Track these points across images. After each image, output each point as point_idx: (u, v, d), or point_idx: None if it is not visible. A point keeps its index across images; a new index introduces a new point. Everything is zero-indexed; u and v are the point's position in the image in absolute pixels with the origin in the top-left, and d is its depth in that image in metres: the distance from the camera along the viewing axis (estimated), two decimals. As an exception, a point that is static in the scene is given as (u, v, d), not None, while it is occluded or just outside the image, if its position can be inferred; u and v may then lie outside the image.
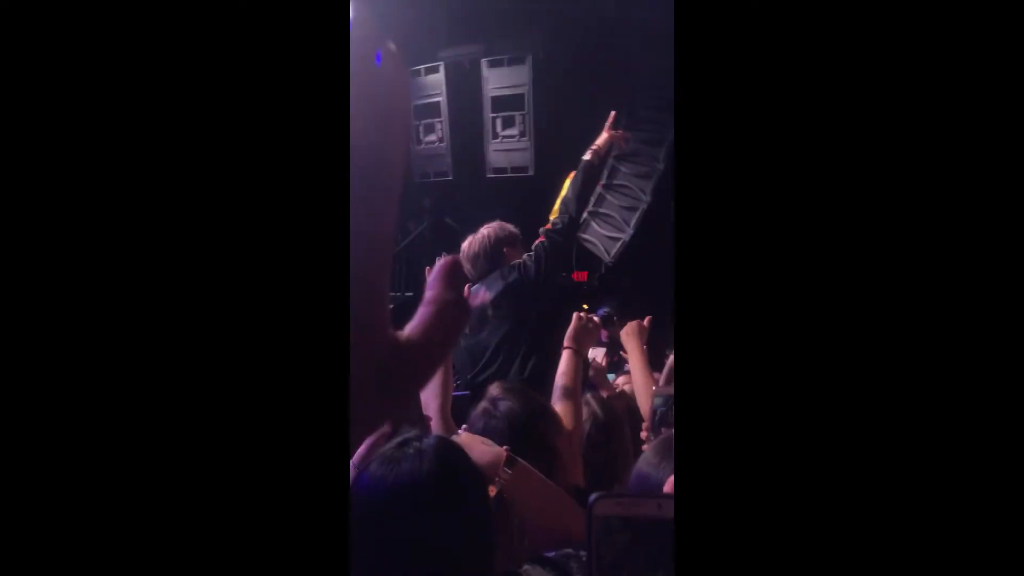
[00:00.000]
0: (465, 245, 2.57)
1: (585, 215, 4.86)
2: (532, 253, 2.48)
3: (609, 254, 4.92)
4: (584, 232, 4.86)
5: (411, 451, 0.89)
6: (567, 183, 2.71)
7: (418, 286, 5.37)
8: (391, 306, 0.46)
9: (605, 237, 4.93)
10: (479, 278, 2.52)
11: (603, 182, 4.52)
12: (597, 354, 1.87)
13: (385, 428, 1.27)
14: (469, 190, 5.29)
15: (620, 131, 2.89)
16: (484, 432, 1.29)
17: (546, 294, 2.46)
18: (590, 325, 1.75)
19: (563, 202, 2.62)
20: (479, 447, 1.14)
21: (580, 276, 4.93)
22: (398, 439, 0.93)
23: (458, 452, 0.96)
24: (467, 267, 2.50)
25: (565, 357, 1.68)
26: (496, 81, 4.94)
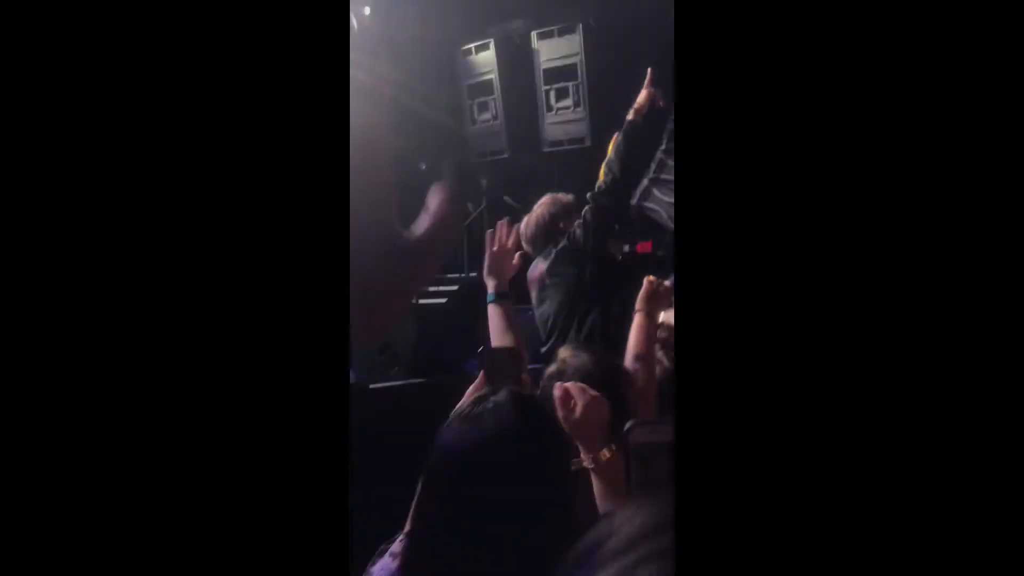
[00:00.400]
0: (522, 228, 2.57)
1: (645, 182, 4.74)
2: (581, 220, 2.47)
3: (673, 221, 4.79)
4: (646, 200, 4.74)
5: (490, 406, 0.89)
6: (611, 146, 2.66)
7: (480, 267, 5.40)
8: (395, 206, 0.49)
9: (668, 204, 4.79)
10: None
11: (663, 146, 4.38)
12: (670, 317, 1.82)
13: (479, 382, 1.31)
14: (526, 166, 5.25)
15: (658, 89, 2.80)
16: None
17: (598, 257, 2.45)
18: (660, 289, 1.71)
19: (607, 164, 2.57)
20: (587, 398, 1.12)
21: (644, 247, 4.83)
22: (474, 397, 0.94)
23: (535, 406, 0.96)
24: (528, 249, 2.51)
25: (636, 321, 1.67)
26: (547, 53, 4.86)
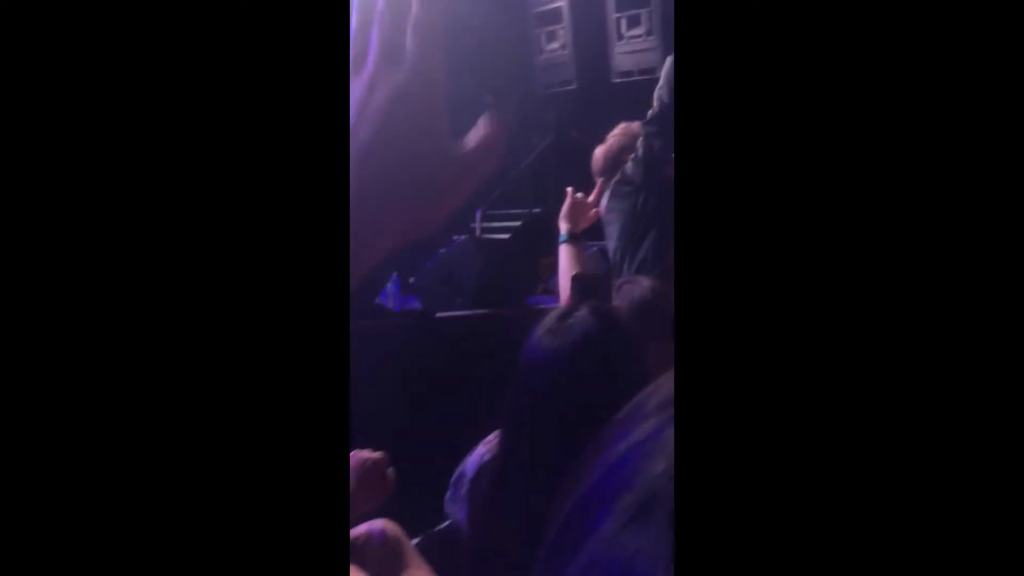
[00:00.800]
0: (593, 159, 2.53)
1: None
2: (634, 153, 2.42)
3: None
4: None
5: (574, 321, 0.93)
6: (662, 70, 2.58)
7: (546, 202, 5.35)
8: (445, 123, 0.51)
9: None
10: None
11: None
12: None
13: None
14: (595, 98, 5.11)
15: None
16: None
17: (648, 188, 2.41)
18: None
19: (658, 91, 2.49)
20: None
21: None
22: (556, 312, 0.98)
23: (615, 318, 1.00)
24: (600, 180, 2.48)
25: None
26: (620, -22, 4.65)
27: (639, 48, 4.73)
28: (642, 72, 4.73)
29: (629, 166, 2.42)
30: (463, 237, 3.80)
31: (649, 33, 4.64)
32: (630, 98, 4.86)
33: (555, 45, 5.11)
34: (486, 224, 5.25)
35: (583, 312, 0.98)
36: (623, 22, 4.74)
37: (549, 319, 0.99)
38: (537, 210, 5.54)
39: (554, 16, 5.02)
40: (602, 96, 5.05)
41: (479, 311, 2.94)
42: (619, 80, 4.93)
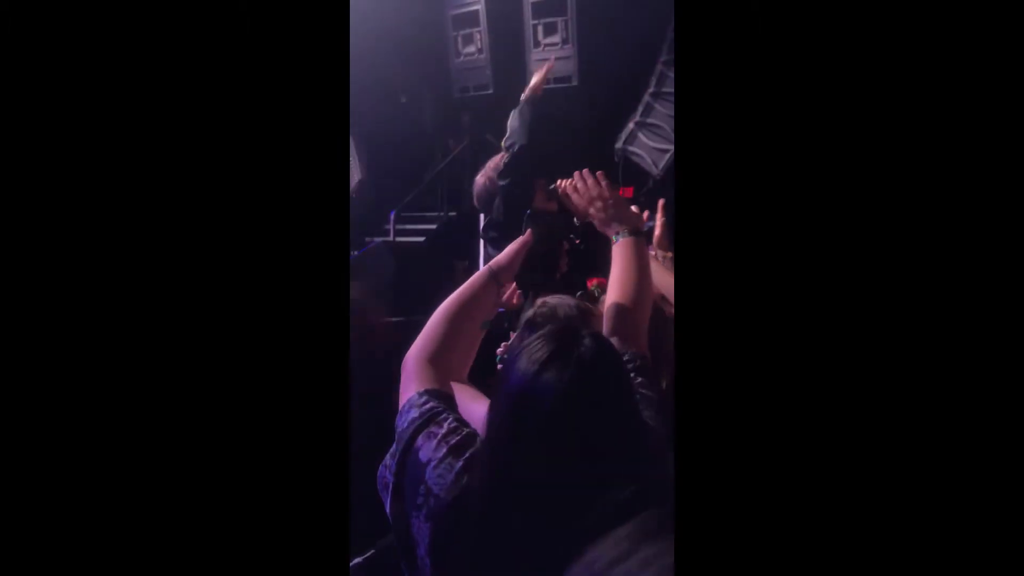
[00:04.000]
0: (479, 187, 2.48)
1: (631, 125, 4.66)
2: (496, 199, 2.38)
3: (657, 167, 4.74)
4: (631, 144, 4.68)
5: (584, 351, 0.87)
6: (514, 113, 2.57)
7: (461, 206, 5.33)
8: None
9: (653, 149, 4.74)
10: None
11: (662, 57, 4.25)
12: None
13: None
14: (511, 103, 5.13)
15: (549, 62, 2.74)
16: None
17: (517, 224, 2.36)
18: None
19: (504, 142, 2.48)
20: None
21: (626, 192, 4.80)
22: (550, 339, 0.92)
23: (611, 345, 0.96)
24: (480, 209, 2.45)
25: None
26: (536, -15, 4.69)
27: (556, 56, 4.79)
28: (558, 80, 4.78)
29: (496, 206, 2.38)
30: (377, 240, 3.72)
31: (565, 41, 4.70)
32: (546, 105, 4.90)
33: (471, 49, 5.10)
34: (400, 227, 5.18)
35: (589, 342, 0.94)
36: (540, 29, 4.78)
37: (542, 347, 0.90)
38: (452, 214, 5.51)
39: (471, 19, 5.01)
40: (518, 102, 5.07)
41: (394, 319, 2.88)
42: (535, 87, 4.96)
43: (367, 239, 3.81)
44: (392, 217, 5.09)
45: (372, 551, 1.29)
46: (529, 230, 1.37)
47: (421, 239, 5.26)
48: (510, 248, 1.31)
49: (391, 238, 4.93)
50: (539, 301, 1.48)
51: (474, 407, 1.14)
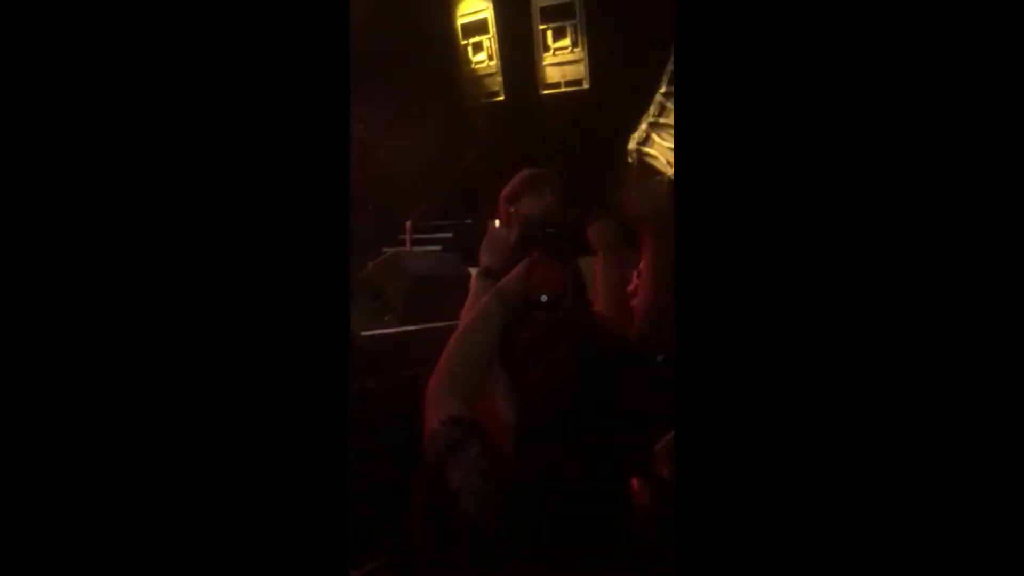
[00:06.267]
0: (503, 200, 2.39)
1: (644, 126, 4.63)
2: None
3: (673, 167, 4.70)
4: (645, 144, 4.64)
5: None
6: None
7: (476, 213, 5.32)
8: None
9: (668, 149, 4.69)
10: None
11: (663, 88, 4.25)
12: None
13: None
14: (522, 109, 5.12)
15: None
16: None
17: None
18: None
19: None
20: None
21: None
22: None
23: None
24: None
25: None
26: (544, -10, 4.68)
27: (566, 60, 4.77)
28: (569, 84, 4.77)
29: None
30: (393, 250, 3.73)
31: (575, 46, 4.69)
32: (559, 110, 4.90)
33: (481, 56, 5.11)
34: (417, 236, 5.19)
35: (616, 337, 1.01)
36: (549, 33, 4.77)
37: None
38: (468, 221, 5.51)
39: (480, 27, 5.02)
40: (529, 108, 5.07)
41: (409, 328, 2.87)
42: (547, 91, 4.95)
43: (383, 249, 3.81)
44: (408, 226, 5.11)
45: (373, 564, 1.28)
46: (536, 251, 1.38)
47: (438, 247, 5.26)
48: (517, 269, 1.34)
49: (407, 247, 4.94)
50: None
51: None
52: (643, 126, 4.98)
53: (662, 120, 5.00)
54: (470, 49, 5.12)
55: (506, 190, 2.18)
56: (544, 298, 1.33)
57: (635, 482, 0.96)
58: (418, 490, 0.98)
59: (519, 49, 4.96)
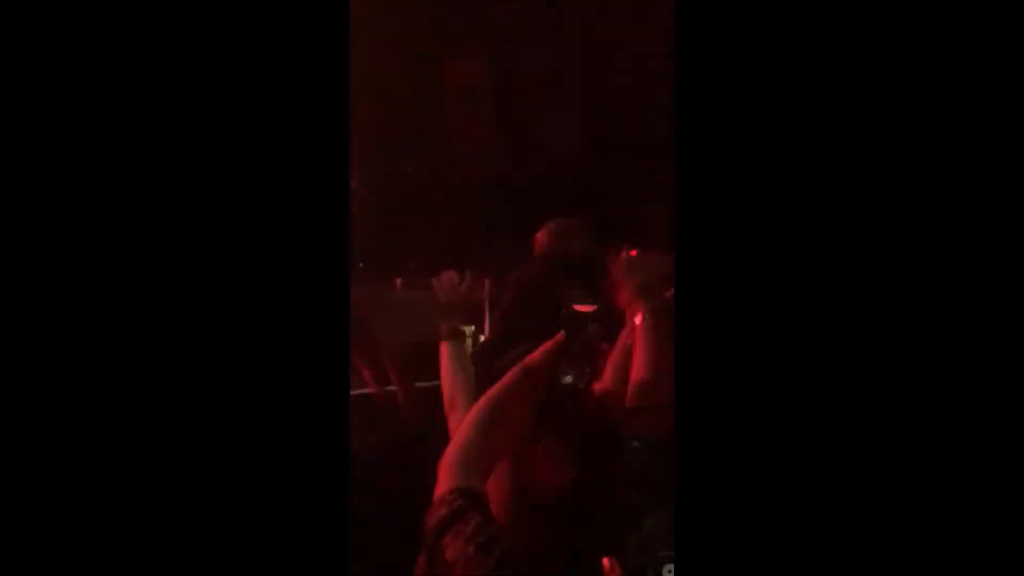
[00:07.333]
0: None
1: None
2: None
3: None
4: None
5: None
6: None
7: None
8: None
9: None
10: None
11: None
12: None
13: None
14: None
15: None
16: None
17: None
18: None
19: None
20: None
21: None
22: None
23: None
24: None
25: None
26: None
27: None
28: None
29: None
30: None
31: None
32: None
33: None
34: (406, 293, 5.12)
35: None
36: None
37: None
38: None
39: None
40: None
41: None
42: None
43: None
44: (398, 284, 5.05)
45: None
46: (563, 330, 1.36)
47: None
48: (544, 347, 1.30)
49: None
50: None
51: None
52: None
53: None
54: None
55: (542, 237, 2.07)
56: (568, 379, 1.30)
57: (606, 562, 0.97)
58: (419, 559, 0.99)
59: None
